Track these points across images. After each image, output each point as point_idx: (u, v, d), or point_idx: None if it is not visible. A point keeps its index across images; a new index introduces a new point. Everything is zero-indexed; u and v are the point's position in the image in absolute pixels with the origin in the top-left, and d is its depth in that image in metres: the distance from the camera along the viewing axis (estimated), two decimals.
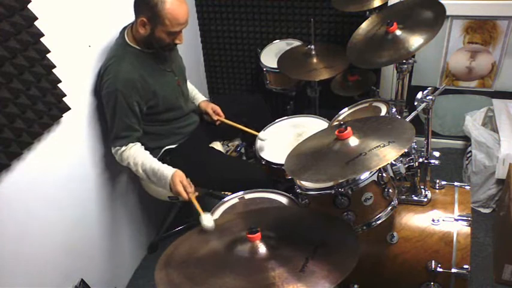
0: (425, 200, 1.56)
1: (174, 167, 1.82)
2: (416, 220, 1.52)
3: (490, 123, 2.40)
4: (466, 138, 2.48)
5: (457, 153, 2.65)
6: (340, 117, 1.88)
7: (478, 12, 2.26)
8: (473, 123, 2.34)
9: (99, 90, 1.81)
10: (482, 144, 2.22)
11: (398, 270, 1.48)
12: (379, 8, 2.07)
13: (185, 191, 1.75)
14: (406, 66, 1.89)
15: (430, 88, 1.46)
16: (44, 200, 1.61)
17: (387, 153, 1.17)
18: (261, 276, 1.03)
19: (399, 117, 1.86)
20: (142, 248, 2.35)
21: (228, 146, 2.42)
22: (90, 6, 1.77)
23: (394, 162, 1.39)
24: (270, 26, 2.76)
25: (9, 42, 1.37)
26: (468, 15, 2.28)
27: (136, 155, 1.80)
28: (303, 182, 1.48)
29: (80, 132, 1.79)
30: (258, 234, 1.13)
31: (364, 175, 1.35)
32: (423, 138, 1.52)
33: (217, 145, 2.23)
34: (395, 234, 1.49)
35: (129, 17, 1.80)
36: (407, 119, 1.40)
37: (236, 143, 2.46)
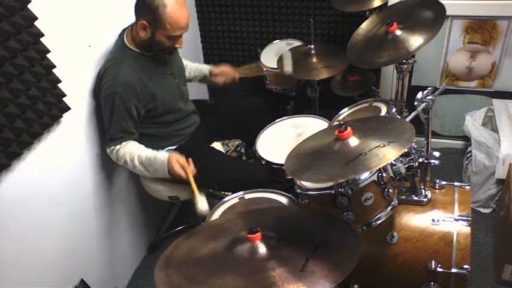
0: (425, 200, 1.56)
1: None
2: (416, 220, 1.52)
3: (490, 123, 2.40)
4: (466, 138, 2.48)
5: (457, 153, 2.65)
6: (340, 117, 1.88)
7: (478, 12, 2.26)
8: (473, 123, 2.34)
9: (97, 92, 1.80)
10: (482, 144, 2.22)
11: (398, 270, 1.48)
12: (379, 8, 2.07)
13: (183, 170, 1.75)
14: (406, 66, 1.89)
15: (430, 88, 1.46)
16: (44, 200, 1.61)
17: (387, 153, 1.17)
18: (261, 276, 1.03)
19: (399, 117, 1.85)
20: (142, 248, 2.35)
21: (228, 146, 2.42)
22: (90, 6, 1.77)
23: (394, 162, 1.39)
24: (270, 26, 2.76)
25: (9, 42, 1.37)
26: (468, 15, 2.28)
27: (132, 150, 1.80)
28: (303, 182, 1.48)
29: (80, 132, 1.79)
30: (258, 234, 1.13)
31: (364, 175, 1.35)
32: (423, 138, 1.52)
33: (217, 145, 2.23)
34: (395, 234, 1.49)
35: (129, 17, 1.80)
36: (407, 119, 1.40)
37: (236, 143, 2.46)
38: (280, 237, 1.17)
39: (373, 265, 1.51)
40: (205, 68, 2.29)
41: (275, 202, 1.67)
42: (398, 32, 1.71)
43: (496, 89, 2.44)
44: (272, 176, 1.92)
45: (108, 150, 1.82)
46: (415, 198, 1.57)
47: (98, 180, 1.92)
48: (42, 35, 1.48)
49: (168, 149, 1.99)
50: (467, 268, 1.40)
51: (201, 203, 1.47)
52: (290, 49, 2.42)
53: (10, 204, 1.47)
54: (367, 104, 1.88)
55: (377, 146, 1.21)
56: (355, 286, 1.50)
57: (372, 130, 1.34)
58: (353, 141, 1.28)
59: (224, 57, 2.99)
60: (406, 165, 1.45)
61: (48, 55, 1.52)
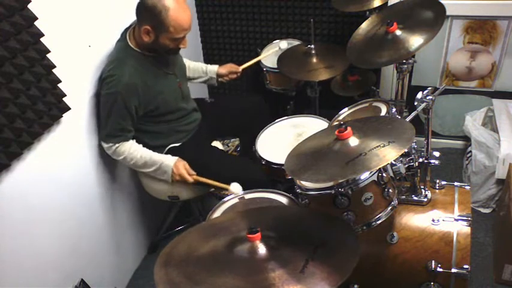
0: (425, 200, 1.56)
1: None
2: (416, 220, 1.52)
3: (490, 123, 2.40)
4: (466, 138, 2.48)
5: (457, 153, 2.65)
6: (340, 117, 1.88)
7: (478, 12, 2.26)
8: (473, 123, 2.34)
9: (99, 91, 1.81)
10: (482, 144, 2.22)
11: (398, 270, 1.48)
12: (379, 8, 2.07)
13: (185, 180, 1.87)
14: (406, 66, 1.89)
15: (430, 88, 1.46)
16: (44, 200, 1.61)
17: (387, 153, 1.17)
18: (261, 277, 1.03)
19: (399, 117, 1.86)
20: (142, 248, 2.35)
21: (228, 146, 2.43)
22: (90, 6, 1.77)
23: (394, 162, 1.39)
24: (270, 26, 2.77)
25: (9, 42, 1.37)
26: (468, 15, 2.28)
27: (134, 149, 1.83)
28: (303, 182, 1.48)
29: (80, 132, 1.79)
30: (258, 234, 1.12)
31: (364, 175, 1.35)
32: (423, 138, 1.52)
33: (217, 144, 2.23)
34: (395, 234, 1.49)
35: (129, 17, 1.80)
36: (407, 119, 1.40)
37: (236, 142, 2.47)
38: (280, 237, 1.17)
39: (373, 265, 1.51)
40: (211, 71, 2.27)
41: (275, 202, 1.67)
42: (398, 32, 1.71)
43: (496, 89, 2.44)
44: (272, 176, 1.92)
45: (105, 146, 1.83)
46: (415, 198, 1.57)
47: (97, 181, 1.92)
48: (42, 35, 1.48)
49: (173, 146, 2.00)
50: (467, 268, 1.40)
51: (235, 187, 1.72)
52: (290, 49, 2.42)
53: (10, 204, 1.47)
54: (367, 104, 1.88)
55: (377, 146, 1.21)
56: (355, 286, 1.50)
57: (372, 130, 1.34)
58: (353, 141, 1.28)
59: (224, 57, 2.99)
60: (406, 165, 1.45)
61: (48, 55, 1.52)
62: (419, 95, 1.45)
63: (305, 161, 1.33)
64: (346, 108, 1.91)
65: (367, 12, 2.14)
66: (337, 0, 2.23)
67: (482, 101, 2.48)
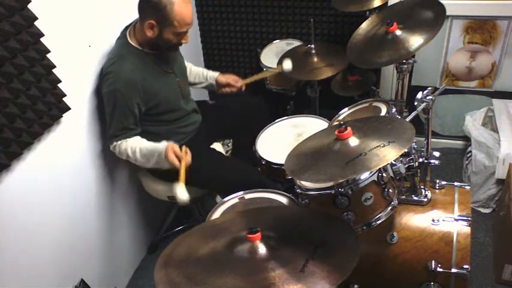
0: (425, 200, 1.56)
1: None
2: (416, 220, 1.52)
3: (490, 123, 2.40)
4: (466, 138, 2.48)
5: (457, 153, 2.65)
6: (340, 117, 1.88)
7: (478, 12, 2.26)
8: (473, 123, 2.34)
9: (100, 88, 1.81)
10: (482, 144, 2.22)
11: (398, 270, 1.48)
12: (379, 8, 2.07)
13: (178, 159, 1.74)
14: (406, 66, 1.89)
15: (430, 88, 1.46)
16: (44, 200, 1.61)
17: (387, 153, 1.17)
18: (261, 277, 1.03)
19: (399, 117, 1.86)
20: (142, 248, 2.35)
21: (228, 146, 2.43)
22: (90, 6, 1.77)
23: (394, 162, 1.39)
24: (270, 26, 2.77)
25: (9, 42, 1.37)
26: (468, 15, 2.28)
27: (133, 144, 1.80)
28: (303, 182, 1.48)
29: (80, 132, 1.79)
30: (258, 234, 1.12)
31: (364, 175, 1.35)
32: (423, 138, 1.52)
33: (217, 146, 2.23)
34: (395, 234, 1.49)
35: (130, 16, 1.80)
36: (407, 119, 1.40)
37: None
38: (280, 237, 1.17)
39: (373, 265, 1.51)
40: (211, 77, 2.24)
41: (275, 202, 1.67)
42: (398, 32, 1.71)
43: (496, 89, 2.44)
44: (272, 176, 1.92)
45: (111, 147, 1.83)
46: (415, 198, 1.57)
47: (97, 181, 1.92)
48: (42, 35, 1.48)
49: None
50: (467, 268, 1.40)
51: (180, 192, 1.53)
52: (290, 49, 2.42)
53: (10, 204, 1.47)
54: (367, 104, 1.88)
55: (377, 146, 1.21)
56: (355, 286, 1.50)
57: (372, 130, 1.34)
58: (353, 141, 1.28)
59: (224, 57, 2.99)
60: (406, 165, 1.45)
61: (48, 55, 1.52)
62: (419, 95, 1.45)
63: (305, 161, 1.33)
64: (346, 108, 1.91)
65: (367, 12, 2.14)
66: (337, 0, 2.23)
67: (482, 101, 2.48)
